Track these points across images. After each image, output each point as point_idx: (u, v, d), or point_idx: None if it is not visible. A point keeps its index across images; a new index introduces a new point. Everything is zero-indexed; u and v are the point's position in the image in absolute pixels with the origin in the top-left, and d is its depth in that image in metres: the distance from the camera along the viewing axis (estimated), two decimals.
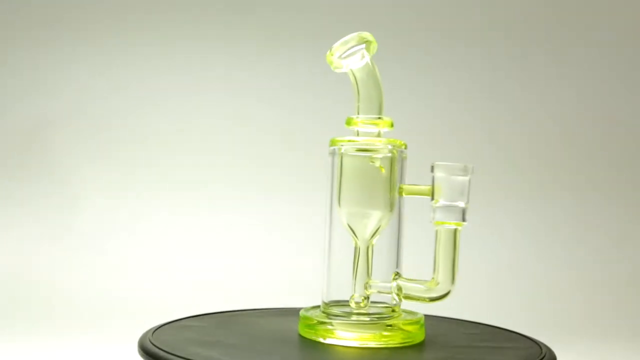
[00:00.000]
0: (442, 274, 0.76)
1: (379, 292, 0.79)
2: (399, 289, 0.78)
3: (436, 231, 0.77)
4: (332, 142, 0.80)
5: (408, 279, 0.78)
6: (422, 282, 0.78)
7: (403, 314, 0.81)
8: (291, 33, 1.55)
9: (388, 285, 0.78)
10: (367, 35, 0.82)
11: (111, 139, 1.56)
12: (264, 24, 1.64)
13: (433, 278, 0.76)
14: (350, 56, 0.81)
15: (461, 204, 0.76)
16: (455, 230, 0.77)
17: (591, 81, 1.60)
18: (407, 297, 0.78)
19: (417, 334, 0.79)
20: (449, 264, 0.77)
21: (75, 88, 1.61)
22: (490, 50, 1.61)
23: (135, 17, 1.62)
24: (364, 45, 0.82)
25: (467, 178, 0.76)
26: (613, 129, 1.57)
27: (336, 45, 0.81)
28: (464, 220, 0.77)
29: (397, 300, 0.78)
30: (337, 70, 0.82)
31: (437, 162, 0.77)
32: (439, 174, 0.76)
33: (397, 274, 0.79)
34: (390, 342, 0.77)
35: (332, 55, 0.81)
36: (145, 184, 1.47)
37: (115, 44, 1.62)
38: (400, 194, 0.79)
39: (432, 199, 0.76)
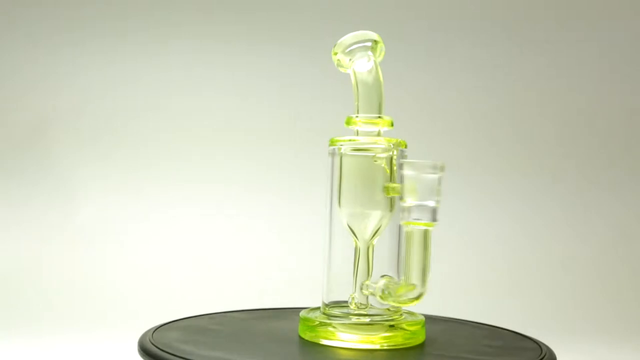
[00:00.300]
0: (414, 277, 0.74)
1: (370, 293, 0.78)
2: (383, 291, 0.76)
3: (406, 232, 0.75)
4: (332, 142, 0.79)
5: (393, 282, 0.77)
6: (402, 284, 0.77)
7: (404, 315, 0.81)
8: (291, 33, 1.54)
9: (374, 286, 0.77)
10: (374, 35, 0.81)
11: (112, 138, 1.56)
12: (263, 24, 1.64)
13: (403, 281, 0.75)
14: (355, 56, 0.81)
15: (431, 203, 0.74)
16: (426, 231, 0.74)
17: (590, 82, 1.60)
18: (385, 300, 0.76)
19: (418, 335, 0.78)
20: (419, 267, 0.75)
21: (74, 88, 1.61)
22: (491, 49, 1.61)
23: (135, 16, 1.62)
24: (370, 44, 0.81)
25: (437, 176, 0.74)
26: (613, 129, 1.57)
27: (340, 41, 0.81)
28: (434, 220, 0.74)
29: (382, 302, 0.76)
30: (341, 70, 0.81)
31: (405, 160, 0.75)
32: (407, 172, 0.74)
33: (385, 276, 0.78)
34: (392, 343, 0.76)
35: (336, 54, 0.80)
36: (145, 184, 1.47)
37: (115, 43, 1.62)
38: (387, 193, 0.77)
39: (401, 198, 0.74)
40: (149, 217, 1.32)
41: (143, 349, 0.73)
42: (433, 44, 1.56)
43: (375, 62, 0.80)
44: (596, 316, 0.92)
